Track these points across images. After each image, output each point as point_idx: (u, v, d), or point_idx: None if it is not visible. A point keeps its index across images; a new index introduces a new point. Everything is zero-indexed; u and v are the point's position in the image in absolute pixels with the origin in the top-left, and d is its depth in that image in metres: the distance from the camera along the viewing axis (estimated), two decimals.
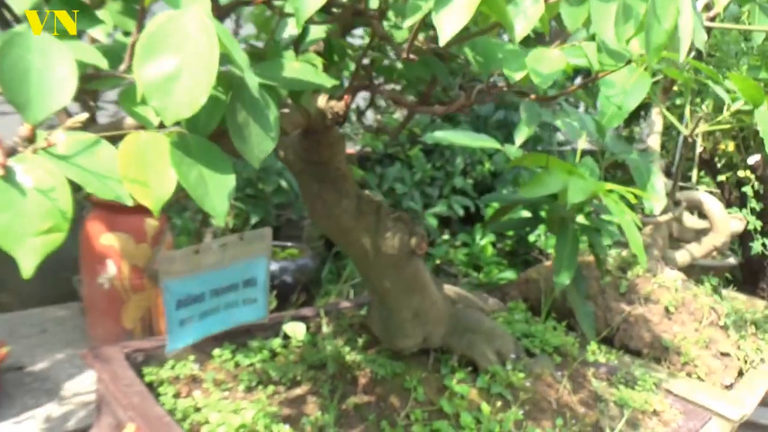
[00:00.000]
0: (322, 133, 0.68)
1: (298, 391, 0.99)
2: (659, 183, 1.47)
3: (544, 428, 0.93)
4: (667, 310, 1.51)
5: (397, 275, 0.84)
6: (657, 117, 1.95)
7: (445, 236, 2.45)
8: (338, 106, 0.64)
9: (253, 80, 0.35)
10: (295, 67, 0.47)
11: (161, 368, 1.03)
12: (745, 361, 1.48)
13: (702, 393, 1.31)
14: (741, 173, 2.20)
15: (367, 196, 0.79)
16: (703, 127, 1.80)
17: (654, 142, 1.93)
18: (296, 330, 1.15)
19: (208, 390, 1.01)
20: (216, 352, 1.09)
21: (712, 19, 1.72)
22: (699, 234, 1.99)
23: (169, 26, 0.32)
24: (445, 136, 1.65)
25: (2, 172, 0.30)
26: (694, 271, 2.02)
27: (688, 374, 1.40)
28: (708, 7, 1.73)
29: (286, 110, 0.60)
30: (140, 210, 1.74)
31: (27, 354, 1.68)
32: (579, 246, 1.30)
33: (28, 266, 0.32)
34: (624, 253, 1.71)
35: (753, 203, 2.11)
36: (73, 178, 0.32)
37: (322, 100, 0.65)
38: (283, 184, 2.07)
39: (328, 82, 0.48)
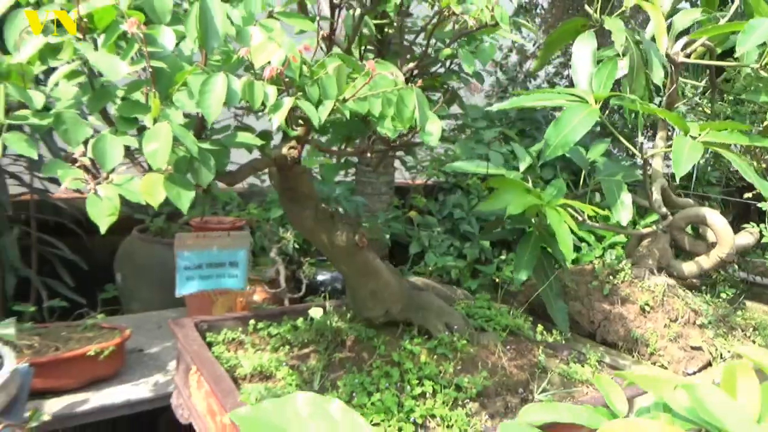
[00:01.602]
0: (288, 168, 1.11)
1: (305, 350, 1.41)
2: (627, 199, 1.74)
3: (471, 376, 1.26)
4: (642, 309, 1.74)
5: (351, 262, 1.24)
6: (660, 140, 2.17)
7: (502, 256, 2.74)
8: (293, 152, 1.06)
9: (194, 148, 0.78)
10: (244, 135, 0.90)
11: (218, 334, 1.50)
12: (718, 356, 1.67)
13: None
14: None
15: (323, 208, 1.20)
16: None
17: (657, 164, 2.15)
18: (316, 313, 1.58)
19: (247, 349, 1.46)
20: (259, 325, 1.54)
21: (688, 56, 1.96)
22: (710, 247, 2.15)
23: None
24: (460, 165, 2.04)
25: (94, 191, 0.75)
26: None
27: (653, 363, 1.63)
28: (687, 45, 1.98)
29: (258, 156, 1.04)
30: (225, 230, 2.27)
31: (146, 342, 2.23)
32: (539, 250, 1.61)
33: (103, 230, 0.77)
34: (615, 261, 1.95)
35: None
36: (121, 193, 0.78)
37: (285, 149, 1.08)
38: (340, 210, 2.52)
39: (258, 142, 0.90)
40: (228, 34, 0.82)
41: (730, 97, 2.70)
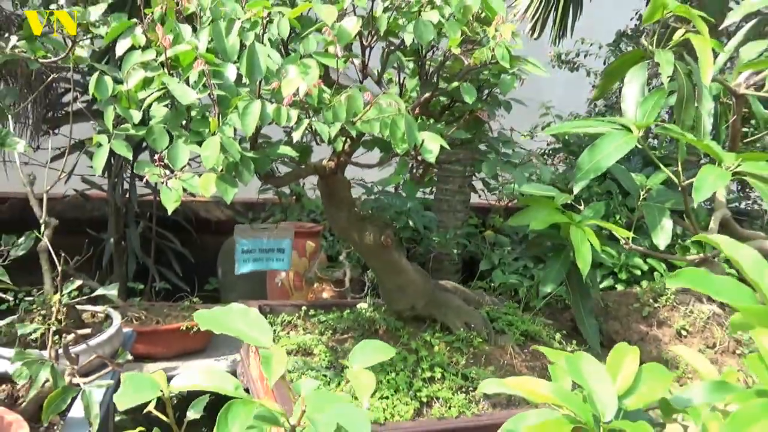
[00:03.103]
0: (328, 177, 1.35)
1: (345, 335, 1.64)
2: (668, 224, 1.80)
3: (480, 368, 1.42)
4: (678, 333, 1.78)
5: (378, 259, 1.45)
6: None
7: None
8: (331, 164, 1.31)
9: (237, 155, 1.05)
10: (284, 148, 1.16)
11: (277, 317, 1.77)
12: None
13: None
14: None
15: (355, 212, 1.43)
16: None
17: (720, 194, 2.15)
18: (362, 305, 1.81)
19: (299, 331, 1.71)
20: (311, 312, 1.79)
21: (757, 88, 1.96)
22: None
23: None
24: (526, 188, 2.17)
25: (166, 183, 1.04)
26: None
27: (681, 386, 1.67)
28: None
29: (303, 166, 1.30)
30: (304, 235, 2.58)
31: None
32: (568, 266, 1.72)
33: (170, 211, 1.06)
34: (660, 286, 1.99)
35: None
36: (185, 186, 1.05)
37: (325, 161, 1.32)
38: (411, 223, 2.74)
39: (293, 154, 1.15)
40: (270, 69, 1.08)
41: None
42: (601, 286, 2.65)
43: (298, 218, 2.92)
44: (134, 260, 2.85)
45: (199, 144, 1.08)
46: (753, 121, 2.82)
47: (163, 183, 1.05)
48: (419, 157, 1.17)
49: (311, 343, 1.57)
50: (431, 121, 1.51)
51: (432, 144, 1.12)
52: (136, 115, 1.11)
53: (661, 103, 1.81)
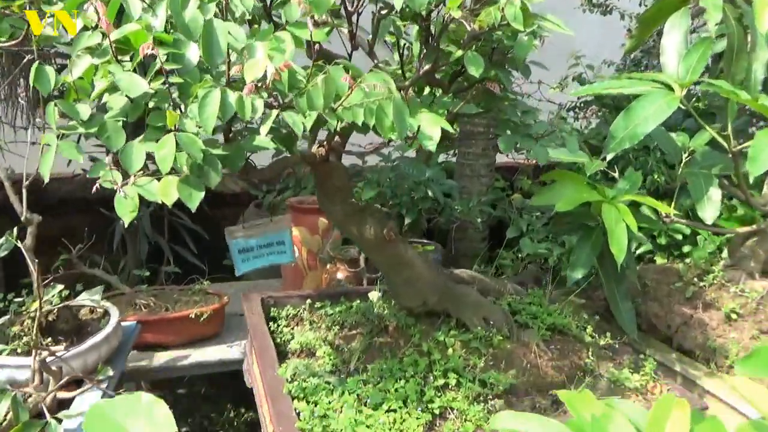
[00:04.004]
0: (319, 165, 1.18)
1: (353, 332, 1.50)
2: (716, 194, 1.59)
3: (500, 373, 1.27)
4: (728, 316, 1.59)
5: (381, 254, 1.29)
6: None
7: None
8: (321, 151, 1.13)
9: (198, 155, 0.88)
10: (260, 139, 0.99)
11: (282, 309, 1.65)
12: None
13: (727, 391, 1.41)
14: None
15: (352, 202, 1.26)
16: None
17: None
18: (374, 296, 1.66)
19: (305, 325, 1.58)
20: (317, 304, 1.66)
21: None
22: None
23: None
24: (554, 153, 1.97)
25: (120, 190, 0.90)
26: None
27: (728, 374, 1.49)
28: None
29: (288, 155, 1.13)
30: (315, 211, 2.43)
31: None
32: (599, 248, 1.53)
33: (126, 223, 0.91)
34: (706, 261, 1.78)
35: None
36: (141, 193, 0.91)
37: (314, 148, 1.15)
38: (430, 193, 2.56)
39: (270, 146, 0.98)
40: (233, 49, 0.90)
41: None
42: (637, 252, 2.44)
43: (312, 191, 2.77)
44: (146, 240, 2.77)
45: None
46: None
47: (117, 191, 0.91)
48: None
49: (315, 343, 1.43)
50: (439, 92, 1.31)
51: (431, 129, 0.94)
52: (84, 110, 0.96)
53: (708, 56, 1.56)
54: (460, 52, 1.05)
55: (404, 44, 1.30)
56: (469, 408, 1.19)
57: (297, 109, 0.88)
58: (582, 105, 3.61)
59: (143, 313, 2.11)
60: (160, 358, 2.04)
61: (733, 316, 1.58)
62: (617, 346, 1.50)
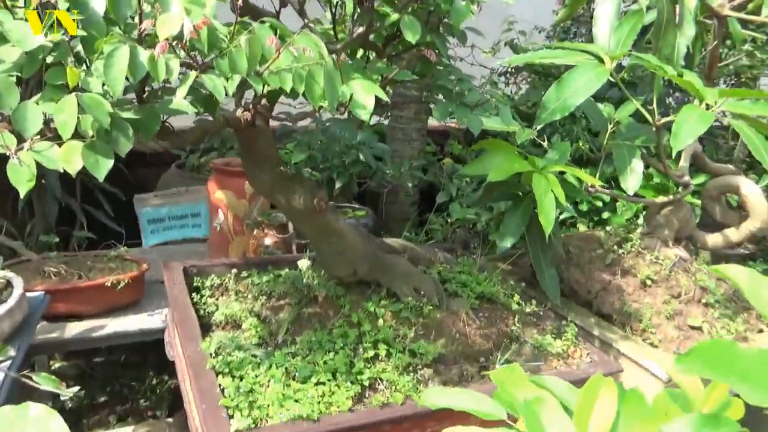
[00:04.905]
0: (245, 130, 1.11)
1: (281, 302, 1.46)
2: (639, 166, 1.64)
3: (429, 342, 1.27)
4: (644, 283, 1.66)
5: (310, 223, 1.25)
6: None
7: None
8: (247, 115, 1.06)
9: (105, 119, 0.79)
10: (178, 102, 0.91)
11: (206, 279, 1.57)
12: (719, 338, 1.58)
13: (640, 353, 1.48)
14: None
15: (281, 171, 1.20)
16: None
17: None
18: (303, 264, 1.61)
19: (230, 296, 1.52)
20: (244, 273, 1.59)
21: (740, 9, 1.74)
22: (743, 219, 2.00)
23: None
24: (485, 122, 1.95)
25: (13, 157, 0.79)
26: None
27: (644, 340, 1.57)
28: None
29: (210, 119, 1.05)
30: (242, 174, 2.33)
31: None
32: (528, 218, 1.56)
33: (22, 194, 0.81)
34: (624, 230, 1.86)
35: None
36: (38, 160, 0.81)
37: (239, 112, 1.08)
38: (361, 157, 2.51)
39: (189, 109, 0.90)
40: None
41: None
42: (560, 218, 2.52)
43: (239, 153, 2.65)
44: (55, 202, 2.57)
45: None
46: (728, 42, 2.62)
47: (11, 156, 0.80)
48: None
49: (241, 315, 1.38)
50: (372, 55, 1.26)
51: (365, 97, 0.88)
52: None
53: (638, 29, 1.58)
54: (396, 16, 1.00)
55: (337, 1, 1.22)
56: (399, 378, 1.19)
57: (218, 71, 0.80)
58: (513, 71, 3.63)
59: (53, 281, 1.97)
60: (74, 329, 1.92)
61: (648, 282, 1.66)
62: (542, 312, 1.54)
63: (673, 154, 1.32)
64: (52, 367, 2.33)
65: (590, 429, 0.59)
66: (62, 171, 0.83)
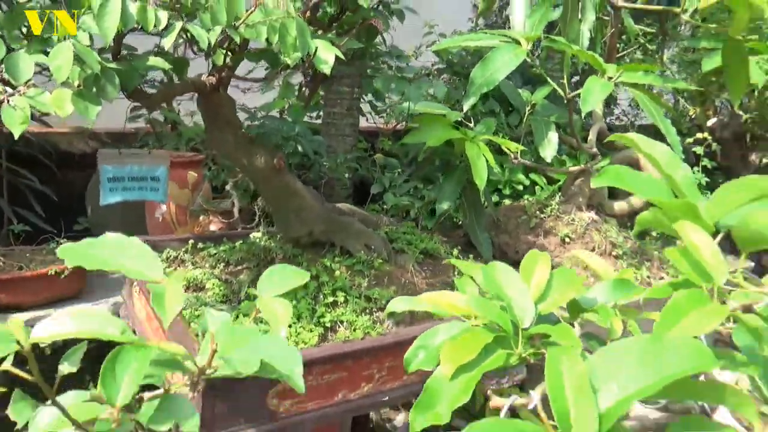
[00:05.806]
0: (210, 95, 1.21)
1: (239, 267, 1.54)
2: (554, 137, 1.85)
3: (383, 288, 1.40)
4: (563, 240, 1.88)
5: (270, 184, 1.36)
6: None
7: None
8: (212, 79, 1.16)
9: (96, 66, 0.88)
10: (155, 60, 1.00)
11: (161, 253, 1.63)
12: None
13: None
14: (700, 135, 2.43)
15: (242, 133, 1.31)
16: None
17: (598, 108, 2.26)
18: (255, 235, 1.70)
19: (187, 266, 1.59)
20: (199, 245, 1.66)
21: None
22: None
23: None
24: (421, 106, 2.10)
25: (7, 100, 0.86)
26: None
27: None
28: None
29: (179, 82, 1.14)
30: (184, 164, 2.38)
31: None
32: (463, 183, 1.73)
33: (16, 135, 0.88)
34: (545, 197, 2.08)
35: (705, 162, 2.35)
36: (32, 104, 0.88)
37: (204, 76, 1.18)
38: (299, 148, 2.63)
39: (165, 66, 1.00)
40: None
41: (684, 43, 2.77)
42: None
43: (175, 147, 2.69)
44: None
45: (47, 54, 0.89)
46: (624, 36, 2.96)
47: (4, 101, 0.87)
48: (310, 71, 1.07)
49: (203, 278, 1.46)
50: (319, 32, 1.39)
51: (326, 54, 1.02)
52: None
53: (548, 16, 1.82)
54: None
55: None
56: (357, 319, 1.31)
57: (201, 24, 0.91)
58: (435, 72, 3.88)
59: None
60: (15, 319, 1.90)
61: (567, 240, 1.88)
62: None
63: (583, 115, 1.54)
64: None
65: (532, 283, 0.74)
66: None
